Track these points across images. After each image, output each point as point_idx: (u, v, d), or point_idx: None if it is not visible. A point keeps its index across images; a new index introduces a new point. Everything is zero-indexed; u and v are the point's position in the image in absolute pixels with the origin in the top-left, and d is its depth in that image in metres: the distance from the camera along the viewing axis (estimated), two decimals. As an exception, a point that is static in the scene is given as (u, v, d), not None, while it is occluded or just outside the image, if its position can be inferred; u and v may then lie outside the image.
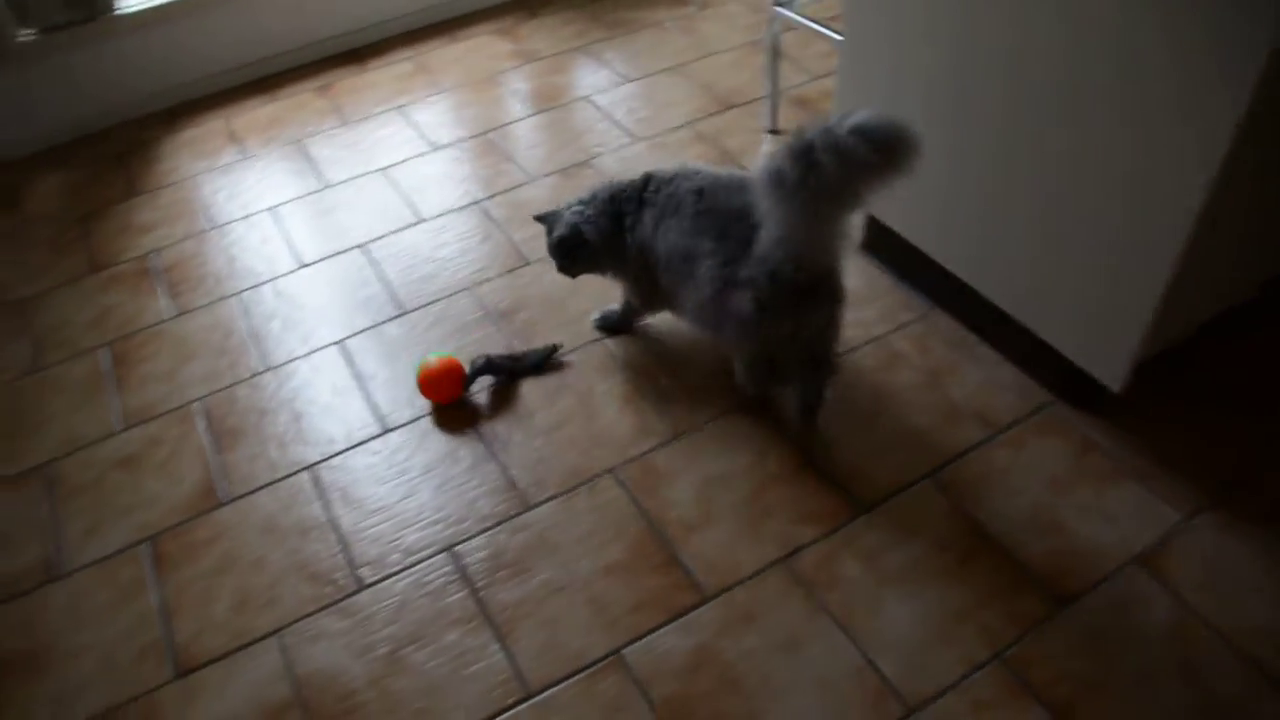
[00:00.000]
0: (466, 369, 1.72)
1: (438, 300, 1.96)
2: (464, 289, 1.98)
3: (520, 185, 2.24)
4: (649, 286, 1.64)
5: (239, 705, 1.36)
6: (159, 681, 1.41)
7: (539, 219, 1.75)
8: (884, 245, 1.87)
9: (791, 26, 2.14)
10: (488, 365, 1.73)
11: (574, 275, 1.74)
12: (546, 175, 2.26)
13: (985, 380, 1.68)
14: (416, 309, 1.94)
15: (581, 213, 1.64)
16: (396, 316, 1.93)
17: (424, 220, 2.17)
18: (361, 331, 1.90)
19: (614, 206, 1.63)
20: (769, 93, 2.26)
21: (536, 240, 2.04)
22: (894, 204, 1.75)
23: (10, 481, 1.72)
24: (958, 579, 1.41)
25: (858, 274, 1.90)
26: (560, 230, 1.65)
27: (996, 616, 1.37)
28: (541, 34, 2.79)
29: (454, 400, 1.73)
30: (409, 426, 1.72)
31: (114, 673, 1.43)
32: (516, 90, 2.57)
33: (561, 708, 1.32)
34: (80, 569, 1.57)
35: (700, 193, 1.51)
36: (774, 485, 1.55)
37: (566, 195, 1.81)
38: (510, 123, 2.46)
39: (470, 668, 1.37)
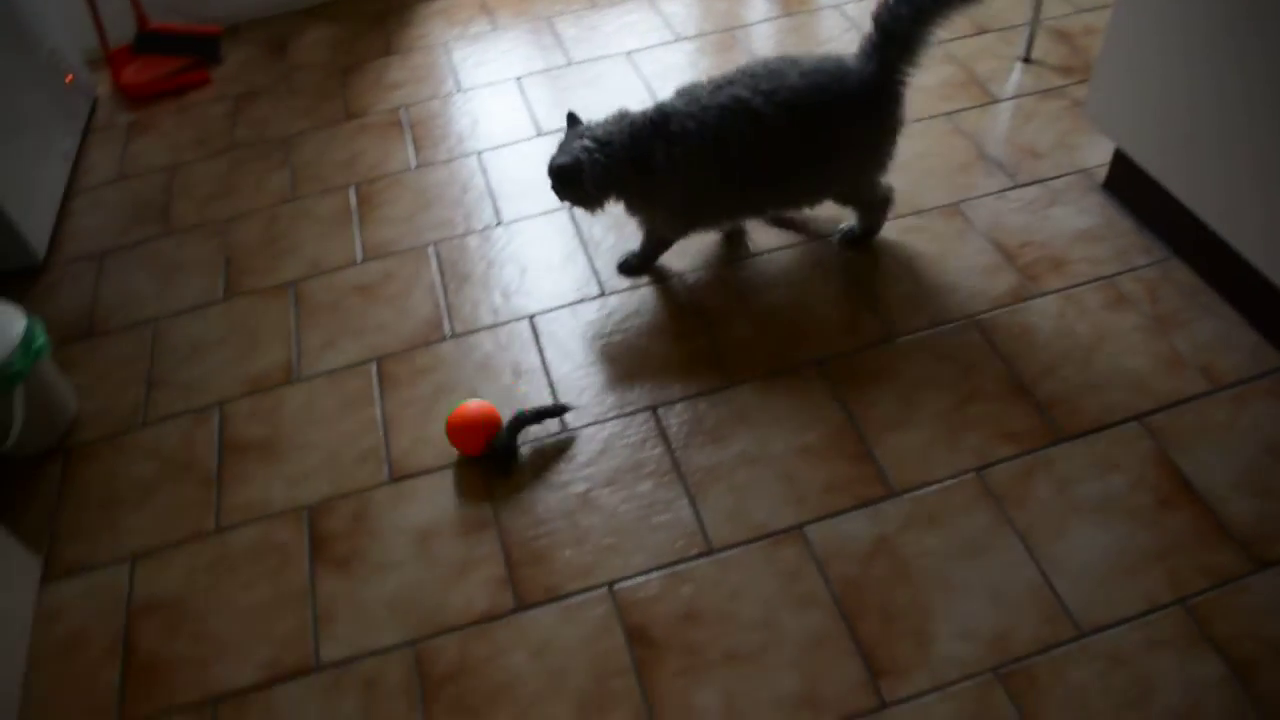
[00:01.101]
0: (502, 424, 1.56)
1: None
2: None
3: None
4: (698, 206, 1.67)
5: (440, 514, 1.50)
6: (375, 483, 1.56)
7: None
8: (1129, 184, 1.80)
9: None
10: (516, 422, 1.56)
11: (570, 202, 1.70)
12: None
13: (1216, 336, 1.61)
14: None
15: (592, 149, 1.60)
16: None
17: (657, 107, 2.22)
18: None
19: (635, 146, 1.59)
20: (1029, 20, 2.18)
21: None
22: (1150, 141, 1.68)
23: (263, 293, 1.91)
24: (1151, 521, 1.39)
25: (1096, 212, 1.84)
26: (560, 159, 1.62)
27: (1187, 565, 1.34)
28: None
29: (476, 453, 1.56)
30: (627, 293, 1.80)
31: (337, 468, 1.59)
32: (762, -7, 2.58)
33: (740, 567, 1.38)
34: (315, 376, 1.74)
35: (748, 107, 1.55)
36: (978, 401, 1.55)
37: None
38: (756, 23, 2.47)
39: (658, 517, 1.45)
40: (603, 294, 1.81)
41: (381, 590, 1.43)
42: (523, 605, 1.39)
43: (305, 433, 1.65)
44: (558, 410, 1.58)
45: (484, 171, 2.11)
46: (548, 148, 2.09)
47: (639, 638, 1.33)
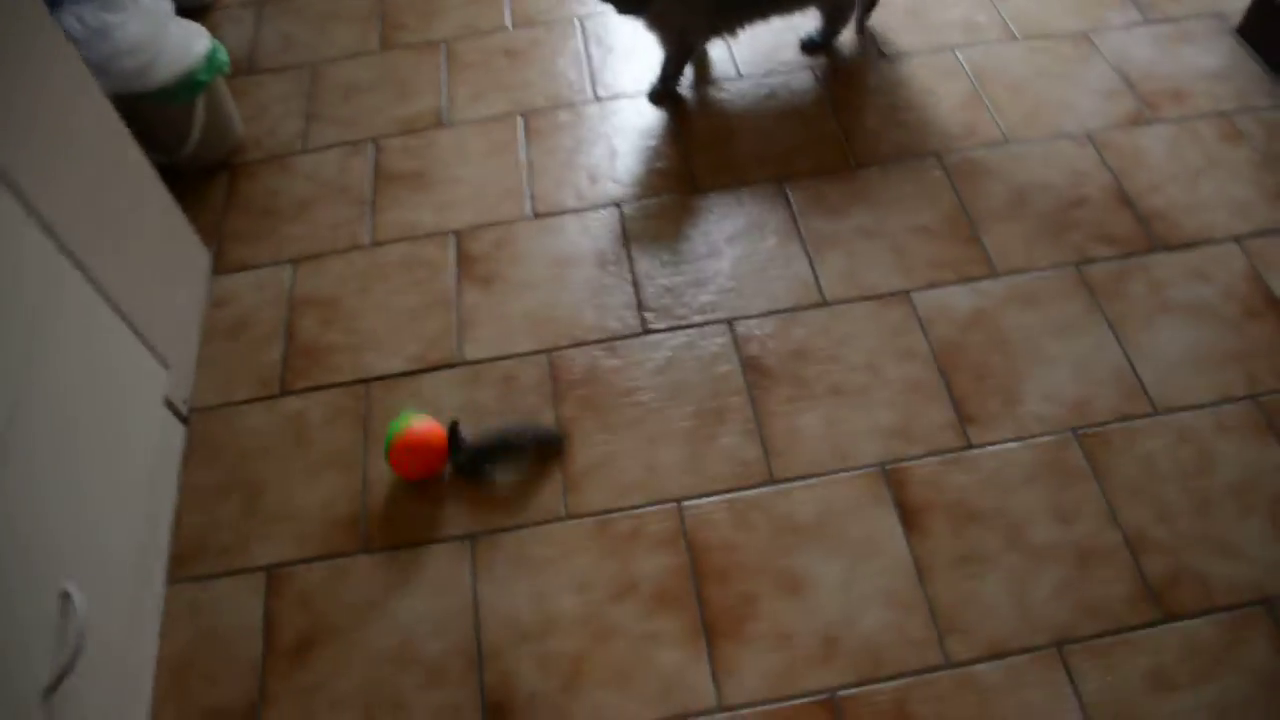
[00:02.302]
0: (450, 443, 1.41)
1: None
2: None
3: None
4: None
5: (576, 248, 1.64)
6: (517, 216, 1.71)
7: None
8: (1262, 30, 1.84)
9: None
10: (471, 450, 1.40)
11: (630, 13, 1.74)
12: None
13: (1323, 178, 1.68)
14: None
15: None
16: None
17: None
18: None
19: None
20: None
21: None
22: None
23: (415, 47, 2.03)
24: (1235, 328, 1.49)
25: (1225, 53, 1.89)
26: None
27: (1264, 368, 1.45)
28: None
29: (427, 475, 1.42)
30: (763, 77, 1.89)
31: (482, 201, 1.73)
32: None
33: (848, 319, 1.52)
34: (463, 123, 1.87)
35: None
36: (1084, 207, 1.65)
37: None
38: None
39: (778, 270, 1.59)
40: (739, 76, 1.91)
41: (520, 305, 1.59)
42: (648, 330, 1.54)
43: (454, 169, 1.79)
44: (548, 439, 1.42)
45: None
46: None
47: (753, 366, 1.49)
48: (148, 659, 1.29)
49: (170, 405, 1.46)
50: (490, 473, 1.41)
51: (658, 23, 1.77)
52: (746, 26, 1.80)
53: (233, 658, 1.29)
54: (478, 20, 2.07)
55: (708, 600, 1.28)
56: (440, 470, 1.41)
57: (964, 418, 1.41)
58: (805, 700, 1.20)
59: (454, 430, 1.39)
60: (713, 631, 1.26)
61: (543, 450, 1.42)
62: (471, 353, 1.54)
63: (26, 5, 1.22)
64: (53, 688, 1.03)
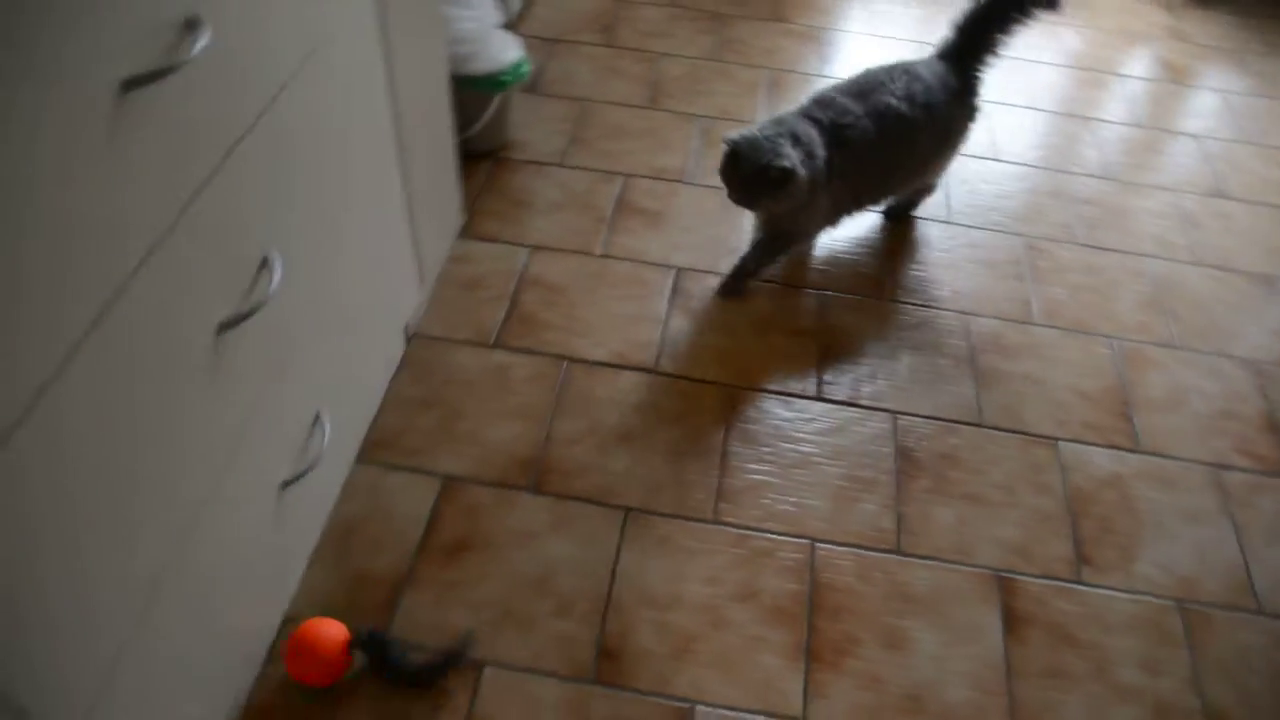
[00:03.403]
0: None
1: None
2: None
3: None
4: (842, 200, 1.83)
5: (776, 317, 1.85)
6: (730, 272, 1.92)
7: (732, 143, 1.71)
8: None
9: None
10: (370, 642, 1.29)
11: (747, 203, 1.76)
12: None
13: None
14: None
15: (777, 144, 1.67)
16: None
17: None
18: None
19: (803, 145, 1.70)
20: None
21: None
22: None
23: (677, 114, 2.32)
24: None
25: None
26: (778, 161, 1.64)
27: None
28: None
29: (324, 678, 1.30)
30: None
31: (704, 251, 1.96)
32: None
33: (999, 444, 1.68)
34: (703, 186, 2.11)
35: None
36: (1233, 420, 1.79)
37: None
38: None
39: (946, 385, 1.76)
40: (949, 221, 2.13)
41: (716, 341, 1.80)
42: (822, 397, 1.73)
43: (686, 219, 2.04)
44: (435, 670, 1.30)
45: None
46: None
47: (905, 454, 1.65)
48: (326, 511, 1.49)
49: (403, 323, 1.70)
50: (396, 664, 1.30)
51: (776, 217, 1.80)
52: (855, 216, 1.92)
53: (394, 537, 1.48)
54: (734, 109, 2.35)
55: (816, 628, 1.42)
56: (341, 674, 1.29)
57: (1082, 557, 1.54)
58: (881, 740, 1.32)
59: (359, 635, 1.29)
60: (814, 655, 1.40)
61: (433, 673, 1.31)
62: (665, 365, 1.75)
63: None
64: (287, 484, 1.24)
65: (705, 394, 1.71)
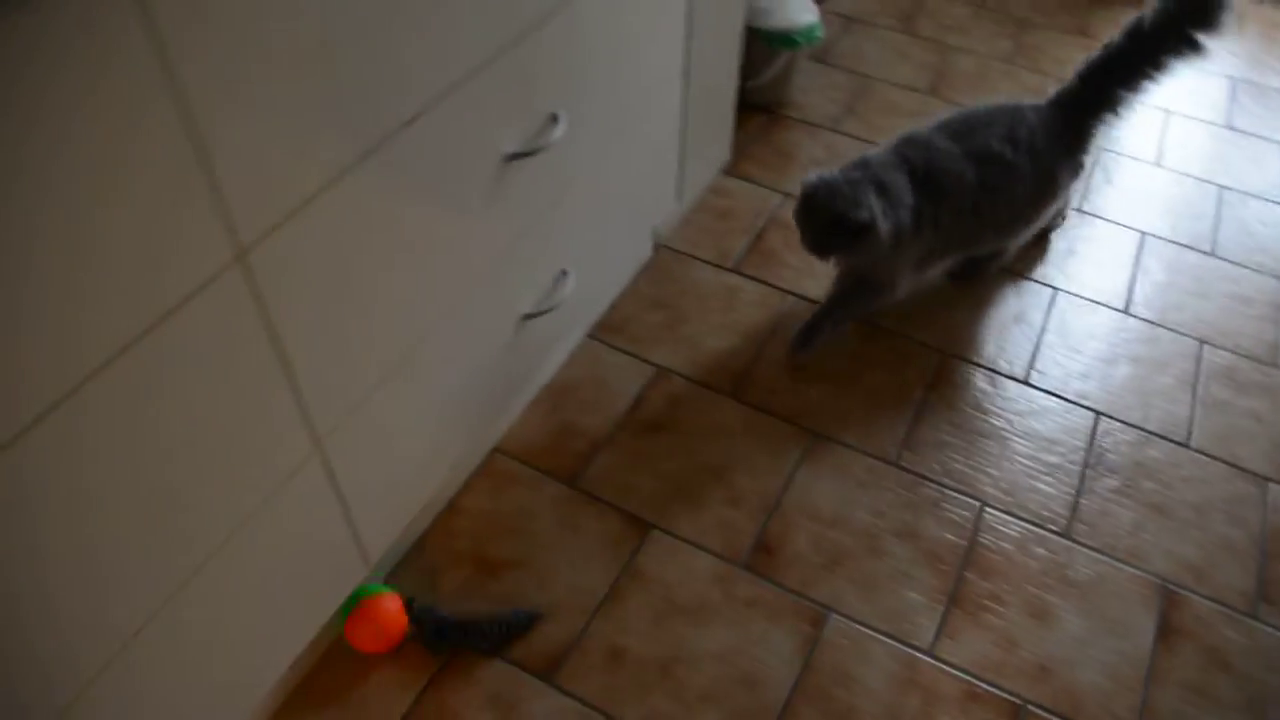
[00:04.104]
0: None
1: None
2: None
3: None
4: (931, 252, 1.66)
5: (1006, 297, 1.88)
6: (967, 256, 1.97)
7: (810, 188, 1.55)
8: None
9: None
10: (437, 627, 1.35)
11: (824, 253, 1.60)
12: None
13: None
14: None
15: (857, 191, 1.51)
16: None
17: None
18: None
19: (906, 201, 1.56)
20: None
21: None
22: None
23: (956, 106, 2.36)
24: None
25: None
26: (856, 213, 1.49)
27: None
28: None
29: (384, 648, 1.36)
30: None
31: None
32: None
33: (1201, 469, 1.65)
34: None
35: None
36: None
37: None
38: None
39: (1162, 401, 1.75)
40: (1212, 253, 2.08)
41: (932, 304, 1.86)
42: (1028, 382, 1.76)
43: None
44: (518, 623, 1.38)
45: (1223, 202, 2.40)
46: None
47: (1098, 454, 1.67)
48: (552, 367, 1.70)
49: (653, 230, 1.89)
50: (457, 643, 1.36)
51: (856, 268, 1.67)
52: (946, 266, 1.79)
53: (603, 405, 1.67)
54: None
55: (965, 579, 1.49)
56: (398, 643, 1.36)
57: (1263, 595, 1.51)
58: (998, 693, 1.38)
59: (410, 605, 1.36)
60: (956, 601, 1.46)
61: (513, 632, 1.37)
62: (882, 320, 1.84)
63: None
64: (527, 318, 1.44)
65: (915, 353, 1.79)
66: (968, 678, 1.38)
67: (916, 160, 1.58)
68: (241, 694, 1.14)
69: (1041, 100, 1.75)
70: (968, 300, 1.90)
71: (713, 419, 1.66)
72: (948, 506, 1.57)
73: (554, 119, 1.26)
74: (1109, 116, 1.71)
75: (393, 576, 1.45)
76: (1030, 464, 1.64)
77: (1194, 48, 1.62)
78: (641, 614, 1.43)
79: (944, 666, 1.39)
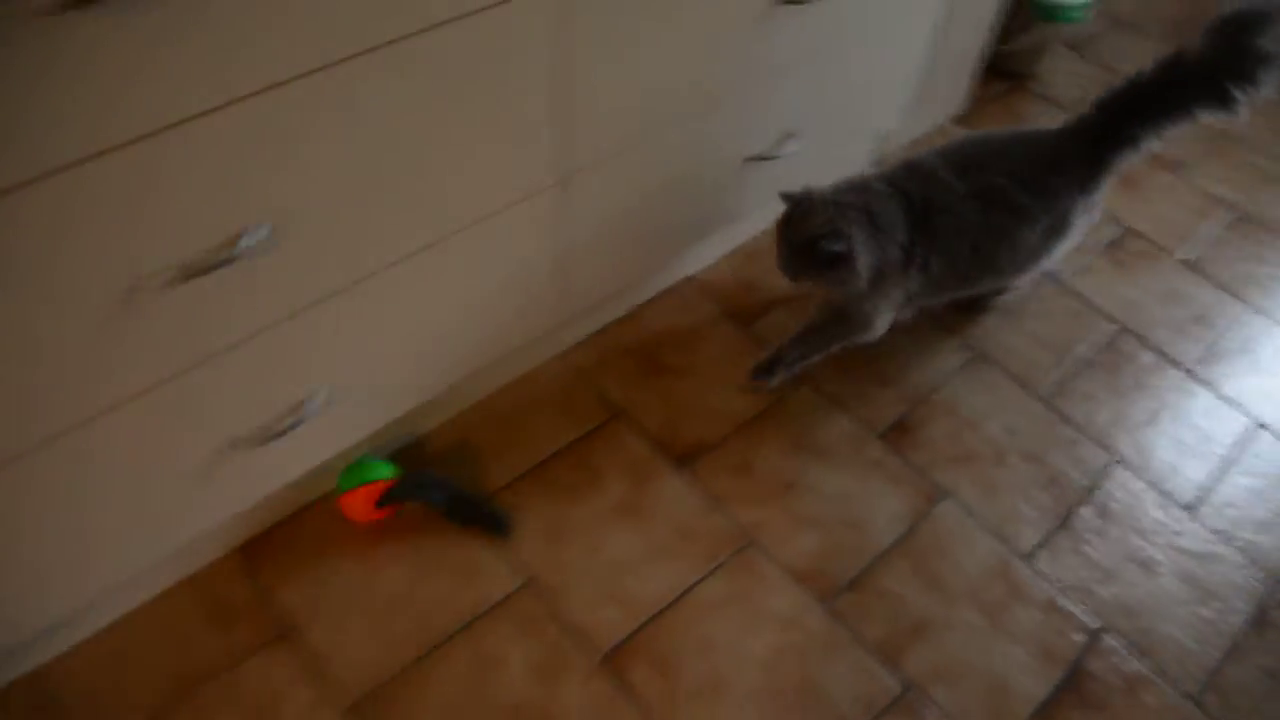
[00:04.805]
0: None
1: None
2: None
3: None
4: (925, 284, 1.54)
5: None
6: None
7: (790, 198, 1.47)
8: None
9: None
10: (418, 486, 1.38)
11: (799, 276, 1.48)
12: None
13: None
14: None
15: (841, 216, 1.41)
16: None
17: None
18: None
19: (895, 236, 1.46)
20: None
21: None
22: None
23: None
24: None
25: None
26: (829, 243, 1.39)
27: None
28: None
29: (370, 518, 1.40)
30: None
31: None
32: None
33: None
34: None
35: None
36: None
37: None
38: None
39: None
40: None
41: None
42: (1192, 509, 1.80)
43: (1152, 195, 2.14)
44: (491, 519, 1.41)
45: None
46: None
47: (1261, 617, 1.70)
48: (754, 230, 1.86)
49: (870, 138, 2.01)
50: (427, 499, 1.40)
51: (839, 302, 1.55)
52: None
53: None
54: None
55: (1076, 513, 1.56)
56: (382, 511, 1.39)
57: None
58: (1079, 612, 1.45)
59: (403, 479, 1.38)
60: (1064, 525, 1.54)
61: (484, 524, 1.41)
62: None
63: None
64: (748, 160, 1.58)
65: (1092, 322, 1.86)
66: (1054, 591, 1.47)
67: (915, 193, 1.46)
68: (439, 371, 1.36)
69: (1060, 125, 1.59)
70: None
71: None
72: (1080, 451, 1.65)
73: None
74: (1128, 152, 1.53)
75: (576, 349, 1.64)
76: (1171, 442, 1.69)
77: (1225, 103, 1.44)
78: (776, 443, 1.58)
79: (1035, 572, 1.48)
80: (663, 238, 1.56)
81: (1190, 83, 1.46)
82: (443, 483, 1.38)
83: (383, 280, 1.15)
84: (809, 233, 1.40)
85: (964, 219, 1.47)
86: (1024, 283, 1.79)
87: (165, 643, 1.29)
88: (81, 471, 1.01)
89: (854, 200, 1.42)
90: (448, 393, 1.45)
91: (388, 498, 1.34)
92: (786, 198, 1.46)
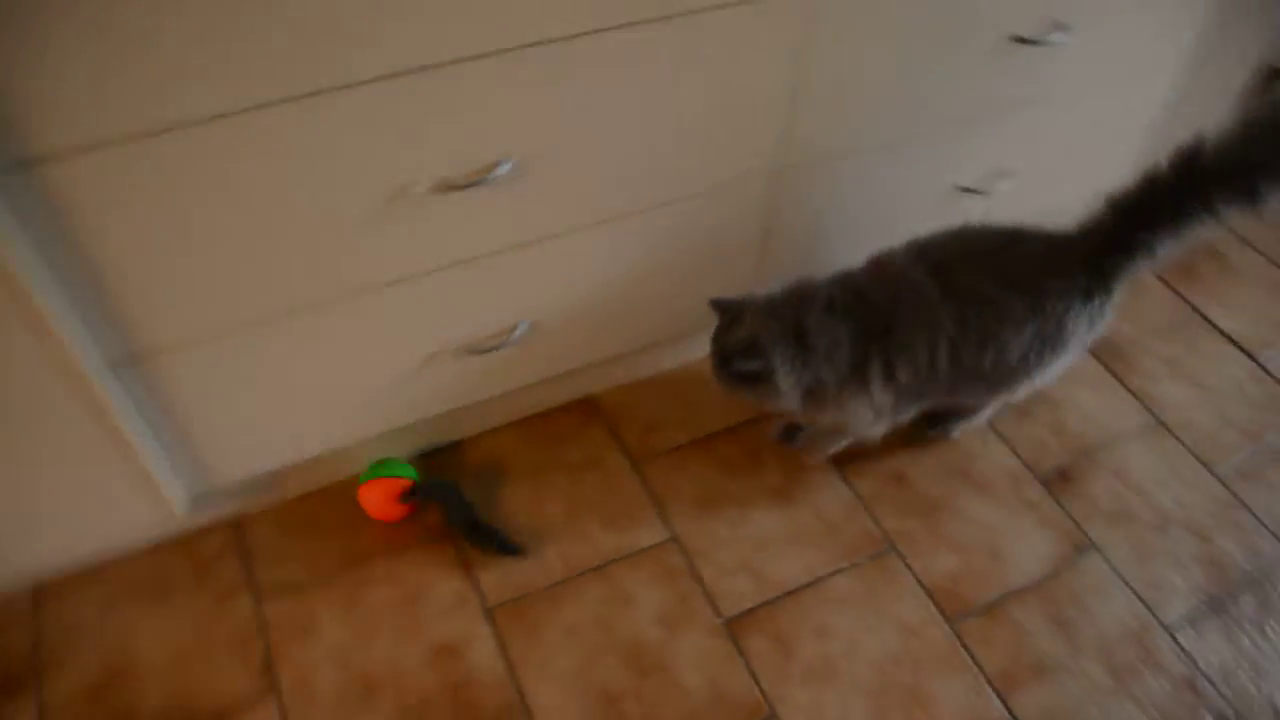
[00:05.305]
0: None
1: None
2: None
3: None
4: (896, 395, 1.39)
5: None
6: None
7: (720, 306, 1.39)
8: None
9: None
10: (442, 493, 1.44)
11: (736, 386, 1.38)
12: None
13: None
14: None
15: (763, 329, 1.31)
16: None
17: None
18: None
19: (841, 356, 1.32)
20: None
21: None
22: None
23: None
24: None
25: None
26: (743, 362, 1.32)
27: None
28: None
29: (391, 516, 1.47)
30: None
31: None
32: None
33: None
34: None
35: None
36: None
37: None
38: None
39: None
40: None
41: None
42: None
43: None
44: (500, 542, 1.44)
45: None
46: None
47: None
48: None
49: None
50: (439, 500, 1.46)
51: (825, 412, 1.41)
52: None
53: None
54: None
55: (1236, 599, 1.52)
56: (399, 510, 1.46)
57: None
58: (1217, 696, 1.42)
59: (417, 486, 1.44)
60: (1217, 608, 1.50)
61: (495, 545, 1.44)
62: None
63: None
64: (961, 189, 1.63)
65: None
66: (1193, 669, 1.44)
67: (877, 298, 1.33)
68: (624, 338, 1.49)
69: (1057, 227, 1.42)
70: None
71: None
72: (1253, 539, 1.60)
73: (1060, 26, 1.42)
74: (1142, 259, 1.34)
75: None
76: None
77: (1253, 199, 1.24)
78: (935, 463, 1.62)
79: (1175, 645, 1.46)
80: (856, 246, 1.62)
81: (1215, 179, 1.25)
82: (463, 503, 1.44)
83: (594, 234, 1.28)
84: (730, 348, 1.33)
85: (936, 324, 1.32)
86: (1015, 398, 1.54)
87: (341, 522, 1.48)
88: (313, 346, 1.19)
89: (786, 314, 1.31)
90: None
91: (415, 494, 1.43)
92: (717, 305, 1.38)
